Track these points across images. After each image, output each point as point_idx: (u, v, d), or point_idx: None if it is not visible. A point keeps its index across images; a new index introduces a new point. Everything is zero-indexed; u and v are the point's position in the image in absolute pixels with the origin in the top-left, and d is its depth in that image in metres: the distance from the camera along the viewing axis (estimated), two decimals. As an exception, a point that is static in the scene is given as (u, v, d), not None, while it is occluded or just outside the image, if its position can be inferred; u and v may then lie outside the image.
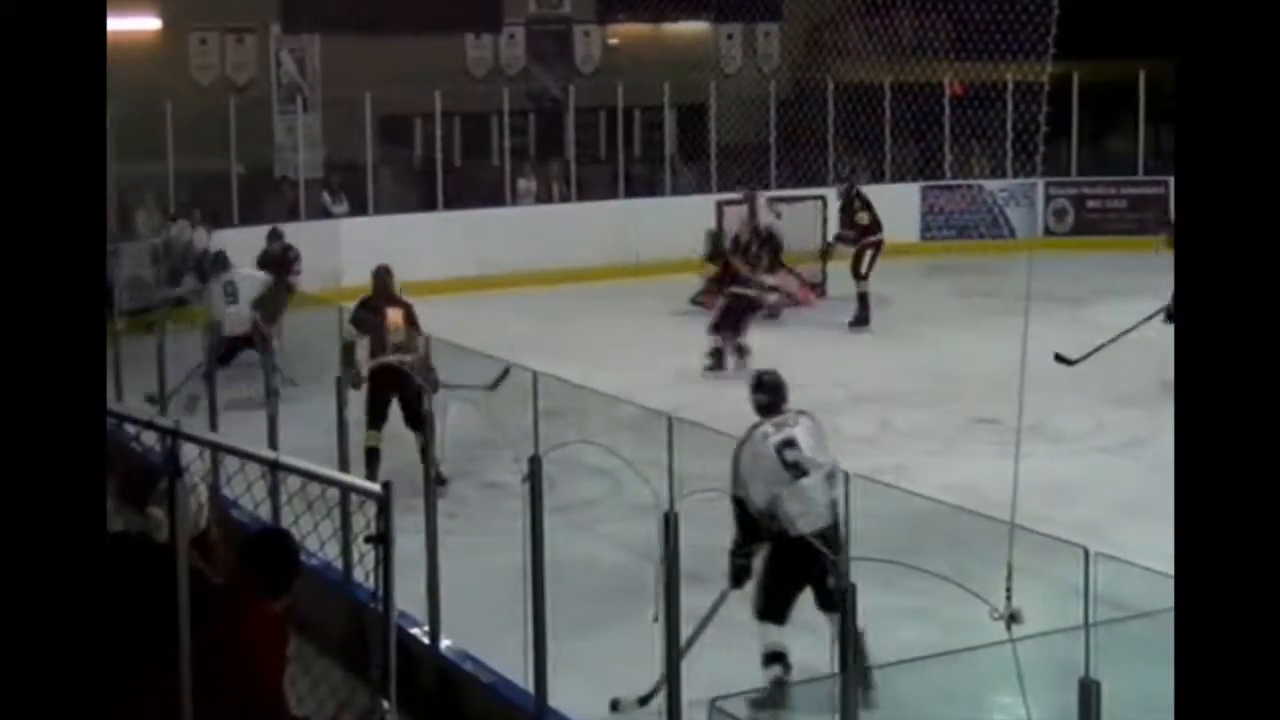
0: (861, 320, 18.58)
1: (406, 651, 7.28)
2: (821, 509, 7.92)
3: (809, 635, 7.90)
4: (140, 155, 18.27)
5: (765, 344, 17.85)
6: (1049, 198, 24.32)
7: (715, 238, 19.84)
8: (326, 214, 21.18)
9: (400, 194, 22.73)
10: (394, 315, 12.25)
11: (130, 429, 5.70)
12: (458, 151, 23.73)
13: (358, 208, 21.33)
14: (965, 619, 8.01)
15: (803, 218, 20.57)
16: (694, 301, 19.89)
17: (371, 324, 12.09)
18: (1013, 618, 7.58)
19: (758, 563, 8.07)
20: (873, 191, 23.86)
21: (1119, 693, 5.27)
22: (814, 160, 23.73)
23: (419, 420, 11.65)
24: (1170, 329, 15.11)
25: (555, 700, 7.69)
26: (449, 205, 22.00)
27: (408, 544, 6.33)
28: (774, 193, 22.24)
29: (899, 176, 24.60)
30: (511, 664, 7.89)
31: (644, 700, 7.78)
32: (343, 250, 19.70)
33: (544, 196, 23.05)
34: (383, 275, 12.78)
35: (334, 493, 7.39)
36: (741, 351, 16.07)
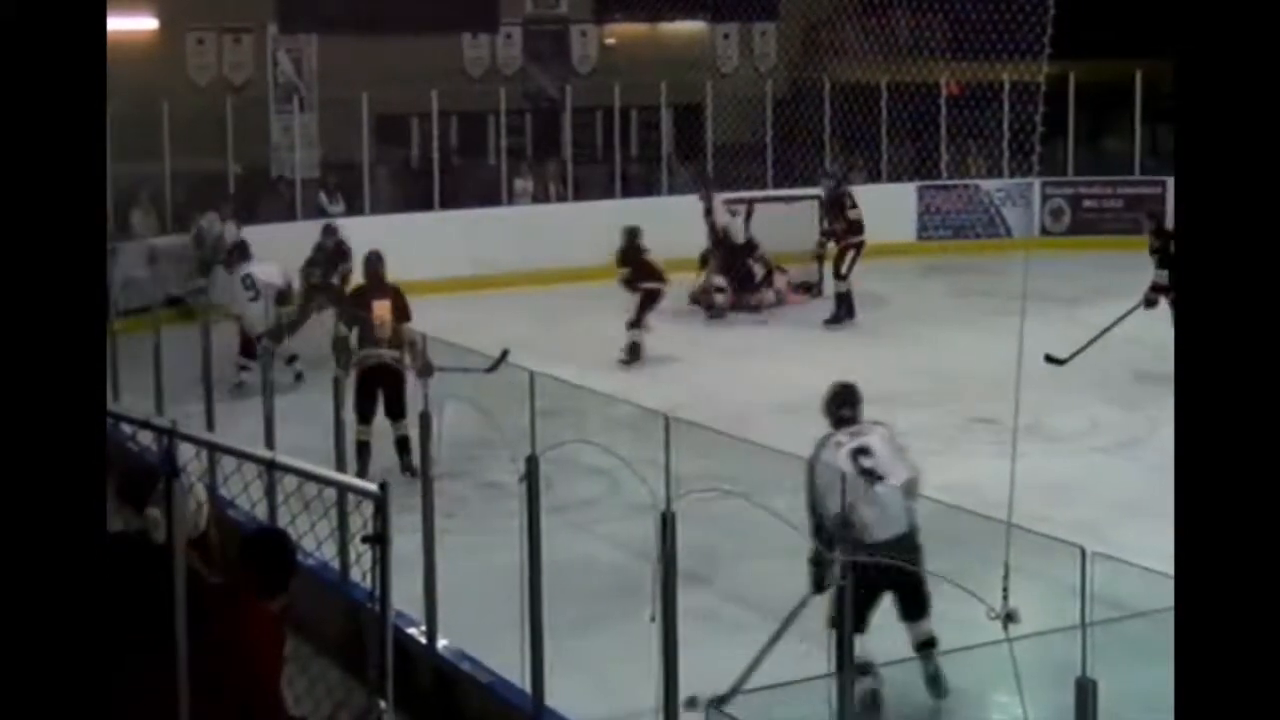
0: (838, 319, 18.63)
1: (403, 651, 7.28)
2: (897, 516, 7.99)
3: (796, 633, 7.90)
4: (137, 155, 18.26)
5: (764, 344, 17.91)
6: (1045, 197, 24.33)
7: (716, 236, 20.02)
8: (322, 214, 21.16)
9: (397, 194, 22.73)
10: (380, 309, 12.44)
11: (126, 428, 5.70)
12: (454, 151, 23.72)
13: (354, 208, 21.32)
14: (962, 618, 8.03)
15: (799, 218, 20.58)
16: (693, 300, 19.91)
17: (359, 319, 12.31)
18: (1009, 617, 7.59)
19: (835, 571, 8.05)
20: (869, 191, 23.92)
21: (1116, 692, 5.27)
22: (810, 160, 23.73)
23: (400, 412, 11.83)
24: (1151, 321, 15.27)
25: (552, 700, 7.70)
26: (445, 205, 21.99)
27: (405, 544, 6.33)
28: (770, 193, 22.29)
29: (895, 176, 24.61)
30: (509, 664, 7.89)
31: (722, 700, 7.79)
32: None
33: (541, 196, 23.04)
34: (373, 262, 12.95)
35: (331, 492, 7.38)
36: (635, 349, 16.85)
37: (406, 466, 11.82)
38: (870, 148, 24.44)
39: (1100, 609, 5.48)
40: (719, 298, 19.18)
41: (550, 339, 17.37)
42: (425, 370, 10.55)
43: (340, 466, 9.77)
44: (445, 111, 22.67)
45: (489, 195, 22.54)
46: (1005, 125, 23.64)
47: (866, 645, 7.82)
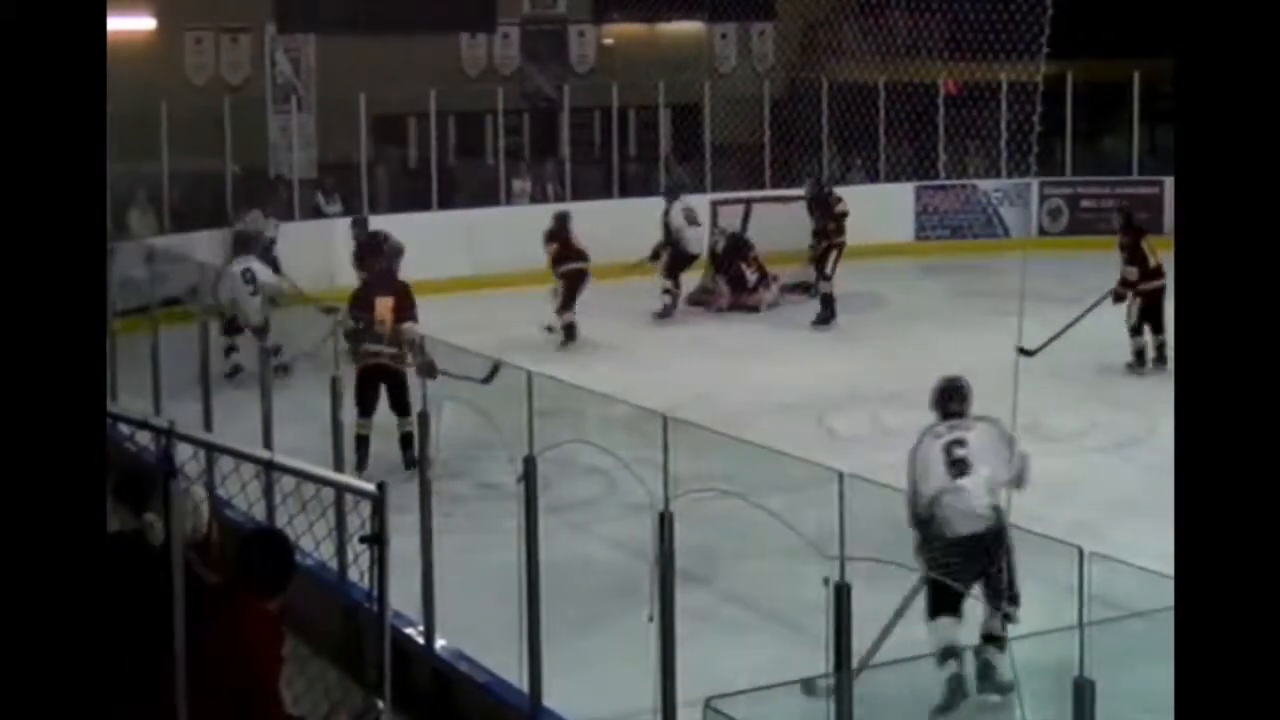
0: (824, 320, 18.62)
1: (401, 651, 7.29)
2: (981, 513, 8.08)
3: (794, 633, 7.91)
4: (135, 155, 18.24)
5: (763, 343, 17.90)
6: (1043, 197, 24.32)
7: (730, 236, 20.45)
8: (319, 214, 21.17)
9: (395, 193, 22.71)
10: (382, 307, 12.54)
11: (124, 428, 5.70)
12: (452, 151, 23.71)
13: (352, 207, 21.30)
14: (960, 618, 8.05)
15: (797, 218, 20.56)
16: (692, 301, 19.92)
17: (363, 315, 12.39)
18: (1006, 617, 7.60)
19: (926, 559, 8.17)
20: (867, 191, 23.98)
21: (1114, 692, 5.27)
22: (808, 160, 23.73)
23: (403, 408, 11.89)
24: (1118, 312, 15.32)
25: (550, 700, 7.70)
26: (443, 205, 21.99)
27: (402, 544, 6.34)
28: (766, 193, 22.29)
29: (893, 176, 24.61)
30: (506, 664, 7.89)
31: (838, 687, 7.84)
32: (336, 250, 19.70)
33: (539, 196, 23.02)
34: (386, 258, 13.15)
35: (328, 493, 7.38)
36: (570, 330, 17.54)
37: (410, 462, 11.84)
38: (868, 148, 24.44)
39: (1097, 609, 5.48)
40: (666, 299, 19.40)
41: (548, 339, 17.36)
42: (428, 370, 10.63)
43: (338, 467, 9.76)
44: (443, 111, 22.66)
45: (487, 195, 22.53)
46: (1003, 125, 23.63)
47: (957, 631, 7.98)
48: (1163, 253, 15.55)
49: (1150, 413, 12.85)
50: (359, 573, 5.90)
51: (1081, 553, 5.34)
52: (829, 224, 19.01)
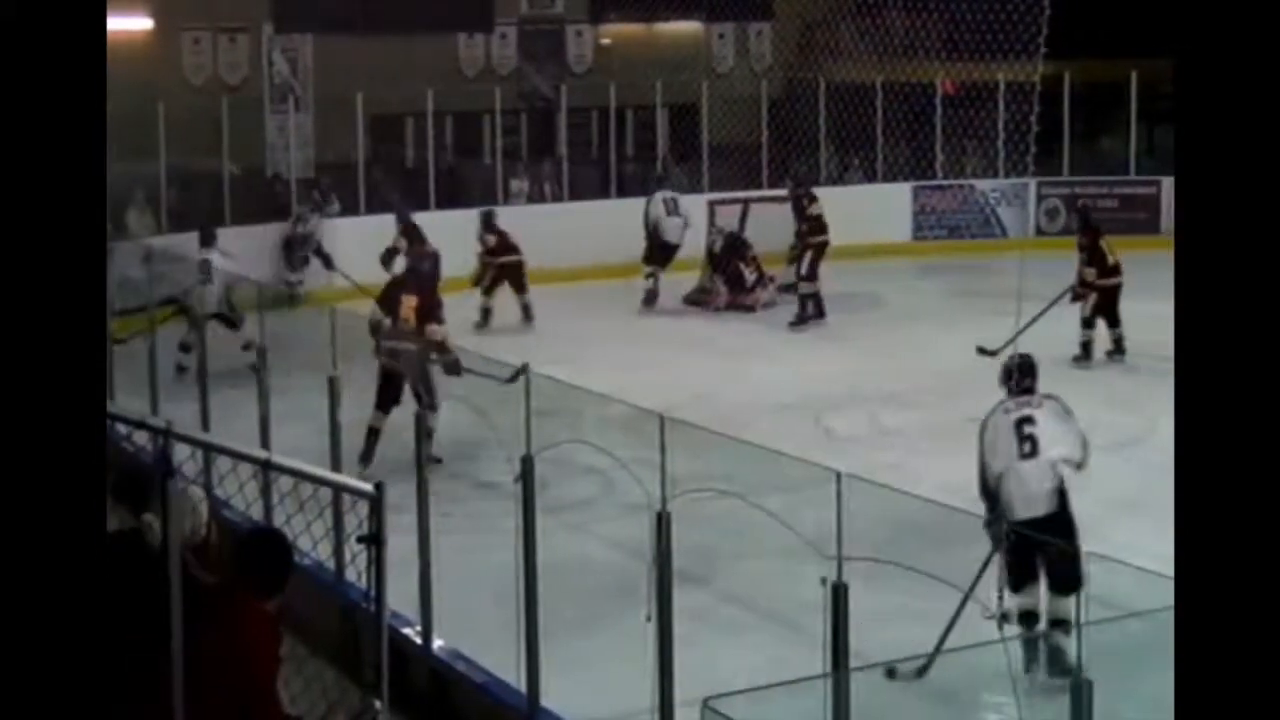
0: (802, 320, 18.62)
1: (399, 651, 7.29)
2: (1041, 497, 8.29)
3: (792, 633, 7.90)
4: (132, 155, 18.24)
5: (761, 343, 17.89)
6: (1041, 197, 24.31)
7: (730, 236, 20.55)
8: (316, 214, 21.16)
9: (392, 193, 22.69)
10: (407, 305, 12.70)
11: (122, 428, 5.70)
12: (450, 151, 23.70)
13: (349, 207, 21.30)
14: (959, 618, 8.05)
15: (791, 218, 20.56)
16: (687, 300, 19.92)
17: (390, 309, 12.65)
18: (1004, 617, 7.61)
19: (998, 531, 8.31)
20: (865, 191, 23.99)
21: (1112, 692, 5.27)
22: (806, 160, 23.73)
23: (426, 403, 12.03)
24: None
25: (548, 700, 7.69)
26: (441, 205, 21.96)
27: (400, 544, 6.33)
28: (762, 193, 22.29)
29: (891, 176, 24.61)
30: (504, 664, 7.89)
31: (921, 671, 7.94)
32: (334, 250, 19.72)
33: (536, 196, 23.04)
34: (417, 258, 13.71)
35: (326, 493, 7.38)
36: (488, 314, 18.58)
37: (427, 456, 11.96)
38: (866, 148, 24.44)
39: (1095, 609, 5.48)
40: (648, 284, 19.86)
41: (546, 338, 17.37)
42: (453, 369, 10.93)
43: (336, 466, 9.75)
44: (440, 111, 22.65)
45: (484, 195, 22.51)
46: (1000, 125, 23.63)
47: (1036, 600, 8.15)
48: (1121, 252, 16.23)
49: (1150, 412, 12.85)
50: (356, 572, 5.90)
51: (1080, 553, 5.33)
52: (802, 225, 19.04)
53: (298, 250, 20.09)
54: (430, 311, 12.76)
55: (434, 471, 9.82)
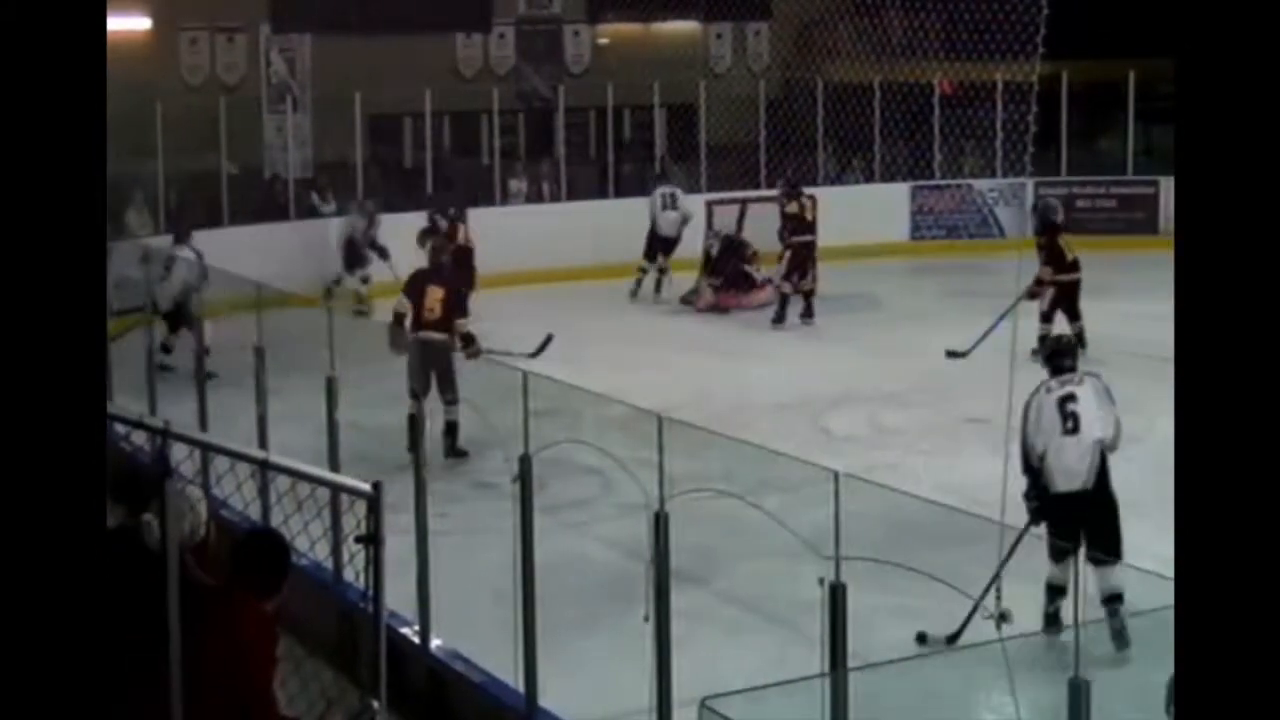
0: (779, 319, 18.65)
1: (397, 651, 7.28)
2: (1081, 472, 8.58)
3: (790, 633, 7.90)
4: (130, 155, 18.23)
5: (759, 343, 17.90)
6: (1039, 197, 24.31)
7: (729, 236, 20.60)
8: (314, 214, 21.15)
9: (390, 193, 22.69)
10: (432, 295, 12.85)
11: (120, 428, 5.69)
12: (448, 151, 23.70)
13: (347, 207, 21.28)
14: (955, 618, 8.05)
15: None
16: (685, 301, 19.92)
17: (414, 299, 12.81)
18: (1002, 617, 7.60)
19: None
20: (863, 191, 24.01)
21: (1110, 692, 5.27)
22: (804, 160, 23.73)
23: (449, 394, 12.14)
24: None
25: (546, 700, 7.69)
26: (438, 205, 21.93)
27: (398, 543, 6.32)
28: (760, 193, 22.29)
29: (889, 176, 24.63)
30: (502, 664, 7.88)
31: (951, 639, 8.10)
32: (332, 249, 19.71)
33: (534, 196, 23.04)
34: (438, 250, 13.96)
35: (324, 492, 7.36)
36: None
37: (450, 450, 12.04)
38: (864, 148, 24.45)
39: (1093, 609, 5.49)
40: (638, 274, 20.18)
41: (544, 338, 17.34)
42: (474, 353, 11.69)
43: (334, 467, 9.74)
44: (438, 111, 22.66)
45: (482, 195, 22.52)
46: (998, 125, 23.66)
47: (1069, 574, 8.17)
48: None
49: (1149, 412, 12.83)
50: (354, 572, 5.89)
51: (1077, 553, 5.34)
52: (783, 226, 19.10)
53: (362, 249, 19.71)
54: (455, 306, 12.97)
55: (432, 471, 9.80)
